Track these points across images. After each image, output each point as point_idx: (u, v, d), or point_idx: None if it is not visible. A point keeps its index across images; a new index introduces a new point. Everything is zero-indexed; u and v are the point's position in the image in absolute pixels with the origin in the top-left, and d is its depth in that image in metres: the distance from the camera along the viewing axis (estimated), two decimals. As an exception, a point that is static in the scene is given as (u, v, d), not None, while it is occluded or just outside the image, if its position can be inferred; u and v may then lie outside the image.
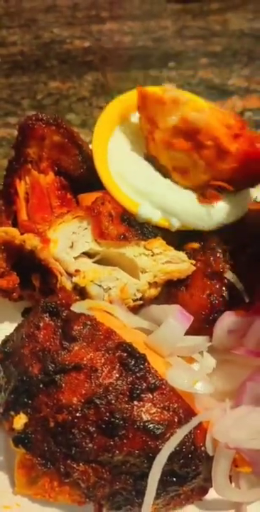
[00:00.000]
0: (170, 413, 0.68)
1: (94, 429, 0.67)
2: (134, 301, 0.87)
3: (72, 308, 0.76)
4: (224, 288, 0.85)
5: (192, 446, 0.69)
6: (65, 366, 0.69)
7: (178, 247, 0.88)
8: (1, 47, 1.55)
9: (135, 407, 0.67)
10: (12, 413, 0.70)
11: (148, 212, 0.87)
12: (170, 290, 0.88)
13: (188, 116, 0.82)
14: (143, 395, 0.68)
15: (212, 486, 0.72)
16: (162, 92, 0.85)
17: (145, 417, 0.67)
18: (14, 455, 0.74)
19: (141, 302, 0.88)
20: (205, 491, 0.74)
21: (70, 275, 0.83)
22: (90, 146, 0.92)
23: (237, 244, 0.87)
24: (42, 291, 0.85)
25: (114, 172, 0.89)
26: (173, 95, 0.85)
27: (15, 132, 0.89)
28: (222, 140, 0.82)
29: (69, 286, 0.82)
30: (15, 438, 0.70)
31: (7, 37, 1.59)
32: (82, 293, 0.84)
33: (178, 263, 0.86)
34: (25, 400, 0.70)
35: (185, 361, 0.79)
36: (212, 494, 0.74)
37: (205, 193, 0.87)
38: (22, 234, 0.81)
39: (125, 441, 0.66)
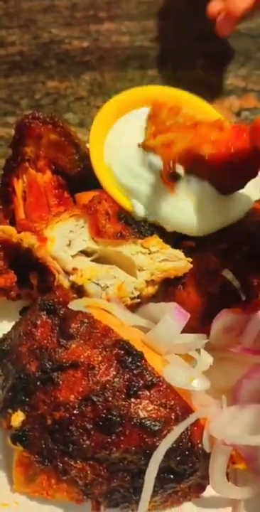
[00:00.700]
0: (167, 410, 0.69)
1: (91, 426, 0.67)
2: (132, 299, 0.87)
3: (69, 306, 0.76)
4: (220, 286, 0.85)
5: (189, 443, 0.69)
6: (63, 364, 0.70)
7: (175, 245, 0.88)
8: (0, 47, 1.55)
9: (132, 404, 0.68)
10: (10, 411, 0.71)
11: (142, 210, 0.87)
12: (168, 288, 0.89)
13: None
14: (140, 392, 0.69)
15: (209, 483, 0.73)
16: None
17: (142, 414, 0.68)
18: (12, 453, 0.75)
19: (139, 300, 0.88)
20: (203, 488, 0.74)
21: (68, 273, 0.83)
22: (87, 145, 0.93)
23: (234, 242, 0.88)
24: (40, 290, 0.85)
25: (109, 170, 0.90)
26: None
27: (14, 132, 0.89)
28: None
29: (66, 284, 0.82)
30: (13, 435, 0.70)
31: (6, 37, 1.59)
32: (79, 291, 0.84)
33: (175, 261, 0.86)
34: (23, 397, 0.70)
35: (182, 359, 0.79)
36: (209, 491, 0.74)
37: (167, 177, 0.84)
38: (19, 232, 0.82)
39: (122, 438, 0.67)
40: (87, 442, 0.67)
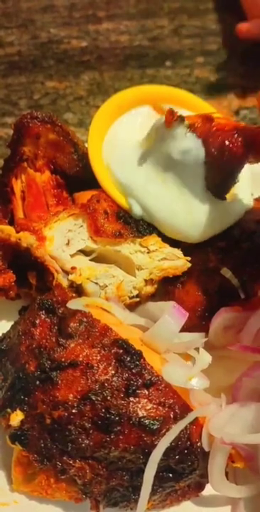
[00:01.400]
0: (166, 409, 0.69)
1: (90, 425, 0.67)
2: (130, 298, 0.87)
3: (68, 305, 0.76)
4: (219, 284, 0.85)
5: (188, 442, 0.69)
6: (61, 363, 0.70)
7: (174, 244, 0.88)
8: (-1, 47, 1.55)
9: (131, 403, 0.68)
10: (9, 410, 0.71)
11: (140, 210, 0.87)
12: (166, 287, 0.89)
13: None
14: (138, 391, 0.69)
15: (208, 482, 0.73)
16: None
17: (141, 412, 0.68)
18: (11, 453, 0.75)
19: (138, 299, 0.89)
20: (202, 487, 0.74)
21: (66, 273, 0.83)
22: (86, 145, 0.93)
23: (233, 240, 0.88)
24: (38, 289, 0.85)
25: (107, 170, 0.90)
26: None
27: (12, 132, 0.89)
28: None
29: (65, 283, 0.82)
30: (12, 435, 0.70)
31: (4, 37, 1.59)
32: (78, 290, 0.84)
33: (174, 260, 0.86)
34: (22, 396, 0.70)
35: (181, 357, 0.79)
36: (208, 490, 0.74)
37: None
38: (18, 232, 0.82)
39: (121, 437, 0.67)
40: (86, 441, 0.67)
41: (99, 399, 0.67)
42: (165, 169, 0.86)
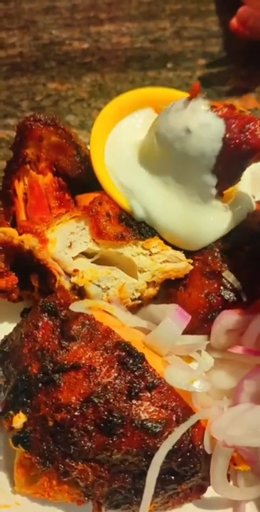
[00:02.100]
0: (168, 412, 0.69)
1: (92, 427, 0.67)
2: (132, 300, 0.87)
3: (70, 307, 0.76)
4: (221, 287, 0.85)
5: (190, 445, 0.69)
6: (64, 365, 0.70)
7: (176, 246, 0.88)
8: (0, 49, 1.55)
9: (133, 406, 0.68)
10: (11, 412, 0.71)
11: (141, 212, 0.87)
12: (169, 289, 0.89)
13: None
14: (141, 394, 0.69)
15: (210, 485, 0.73)
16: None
17: (143, 415, 0.68)
18: (14, 454, 0.75)
19: (140, 302, 0.89)
20: (203, 490, 0.74)
21: (69, 275, 0.83)
22: (88, 147, 0.93)
23: (235, 242, 0.88)
24: (41, 291, 0.85)
25: (109, 172, 0.90)
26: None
27: (14, 134, 0.90)
28: None
29: (67, 286, 0.83)
30: (15, 437, 0.70)
31: (6, 39, 1.59)
32: (80, 293, 0.84)
33: (176, 262, 0.86)
34: (25, 399, 0.70)
35: (183, 360, 0.79)
36: (210, 492, 0.74)
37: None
38: (20, 234, 0.82)
39: (123, 439, 0.67)
40: (88, 444, 0.67)
41: (101, 401, 0.67)
42: (167, 172, 0.86)
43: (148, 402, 0.69)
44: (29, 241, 0.81)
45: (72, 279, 0.83)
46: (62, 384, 0.69)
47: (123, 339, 0.73)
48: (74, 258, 0.84)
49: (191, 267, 0.87)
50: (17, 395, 0.71)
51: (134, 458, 0.67)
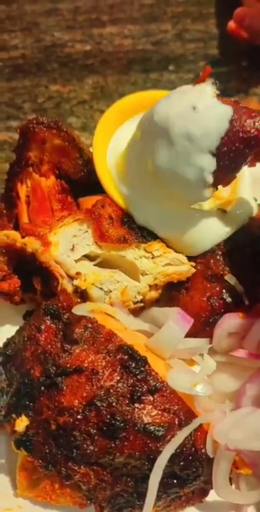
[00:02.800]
0: (171, 415, 0.69)
1: (95, 431, 0.67)
2: (135, 303, 0.87)
3: (73, 310, 0.76)
4: (224, 290, 0.85)
5: (193, 448, 0.69)
6: (67, 369, 0.70)
7: (178, 250, 0.88)
8: (3, 51, 1.55)
9: (136, 410, 0.68)
10: (14, 416, 0.71)
11: (142, 221, 0.87)
12: (171, 292, 0.89)
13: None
14: (143, 398, 0.69)
15: (212, 488, 0.73)
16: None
17: (146, 419, 0.68)
18: (16, 458, 0.75)
19: (142, 305, 0.89)
20: (206, 493, 0.74)
21: (71, 278, 0.83)
22: (91, 149, 0.93)
23: (237, 245, 0.88)
24: (43, 294, 0.85)
25: (112, 175, 0.90)
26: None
27: (17, 136, 0.89)
28: None
29: (70, 289, 0.83)
30: (17, 440, 0.70)
31: (8, 41, 1.59)
32: (82, 296, 0.84)
33: (178, 265, 0.87)
34: (27, 402, 0.70)
35: (185, 363, 0.79)
36: (212, 496, 0.74)
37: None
38: (23, 237, 0.82)
39: (126, 443, 0.67)
40: (91, 447, 0.67)
41: (104, 405, 0.67)
42: (167, 175, 0.81)
43: (151, 406, 0.69)
44: (32, 244, 0.81)
45: (75, 282, 0.83)
46: (64, 387, 0.69)
47: (125, 342, 0.73)
48: (76, 261, 0.84)
49: (193, 270, 0.87)
50: (19, 398, 0.71)
51: (137, 461, 0.67)
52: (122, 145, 0.93)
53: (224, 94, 1.47)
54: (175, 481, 0.70)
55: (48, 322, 0.74)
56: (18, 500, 0.76)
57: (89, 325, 0.74)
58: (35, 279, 0.85)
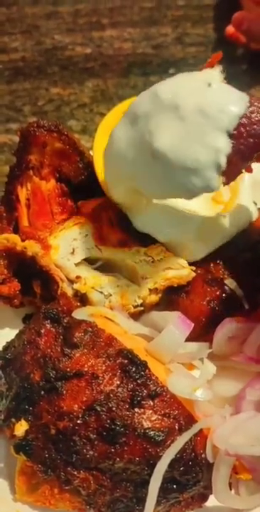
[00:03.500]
0: (171, 420, 0.69)
1: (94, 436, 0.67)
2: (135, 307, 0.87)
3: (73, 314, 0.76)
4: (224, 294, 0.85)
5: (193, 453, 0.69)
6: (66, 373, 0.70)
7: (178, 254, 0.88)
8: (3, 53, 1.55)
9: (136, 414, 0.68)
10: (13, 420, 0.70)
11: (141, 227, 0.87)
12: (171, 296, 0.89)
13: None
14: (143, 402, 0.69)
15: (212, 493, 0.72)
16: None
17: (146, 424, 0.68)
18: (15, 462, 0.75)
19: (142, 308, 0.89)
20: (205, 498, 0.74)
21: (71, 282, 0.83)
22: (91, 153, 0.93)
23: (237, 250, 0.88)
24: (43, 298, 0.85)
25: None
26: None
27: (17, 138, 0.89)
28: None
29: (70, 292, 0.83)
30: (16, 445, 0.70)
31: (9, 43, 1.60)
32: (82, 299, 0.84)
33: (178, 269, 0.87)
34: (27, 406, 0.70)
35: (185, 368, 0.79)
36: (212, 501, 0.74)
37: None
38: (23, 240, 0.82)
39: (126, 448, 0.66)
40: (91, 452, 0.67)
41: (104, 410, 0.67)
42: (172, 158, 0.72)
43: (151, 411, 0.68)
44: (32, 247, 0.81)
45: (75, 286, 0.83)
46: (64, 392, 0.69)
47: (125, 347, 0.73)
48: (76, 264, 0.84)
49: (193, 274, 0.87)
50: (19, 403, 0.70)
51: (136, 467, 0.67)
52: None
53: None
54: (174, 486, 0.69)
55: (48, 326, 0.74)
56: (17, 505, 0.75)
57: (89, 329, 0.73)
58: (35, 283, 0.84)
